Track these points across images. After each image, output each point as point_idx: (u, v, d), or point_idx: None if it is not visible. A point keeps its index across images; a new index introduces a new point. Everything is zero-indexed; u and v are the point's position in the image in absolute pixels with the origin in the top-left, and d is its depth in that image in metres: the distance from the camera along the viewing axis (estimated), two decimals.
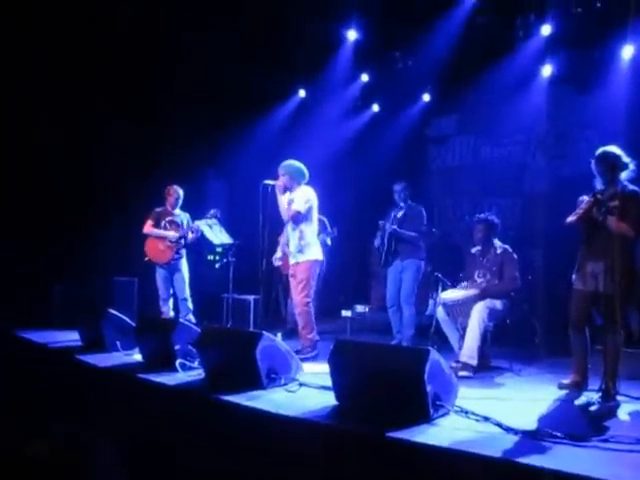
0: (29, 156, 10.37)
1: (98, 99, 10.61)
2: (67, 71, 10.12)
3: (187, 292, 9.62)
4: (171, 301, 9.63)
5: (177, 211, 9.75)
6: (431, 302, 8.66)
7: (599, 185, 5.94)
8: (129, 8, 9.80)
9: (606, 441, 4.12)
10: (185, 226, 9.66)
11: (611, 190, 5.81)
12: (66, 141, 10.52)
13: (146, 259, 9.63)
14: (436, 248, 10.10)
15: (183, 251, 9.72)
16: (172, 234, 9.54)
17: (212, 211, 9.44)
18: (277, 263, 9.09)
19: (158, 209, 9.72)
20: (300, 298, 7.83)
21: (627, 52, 9.22)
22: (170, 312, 9.56)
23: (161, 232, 9.55)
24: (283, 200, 7.90)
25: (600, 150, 5.98)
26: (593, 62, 9.43)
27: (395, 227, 8.54)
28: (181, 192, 9.71)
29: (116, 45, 10.26)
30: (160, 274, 9.59)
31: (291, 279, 8.09)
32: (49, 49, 9.89)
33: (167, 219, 9.64)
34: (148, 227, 9.60)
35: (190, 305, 9.60)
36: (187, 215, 9.81)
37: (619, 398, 5.33)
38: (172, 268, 9.59)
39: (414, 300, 8.60)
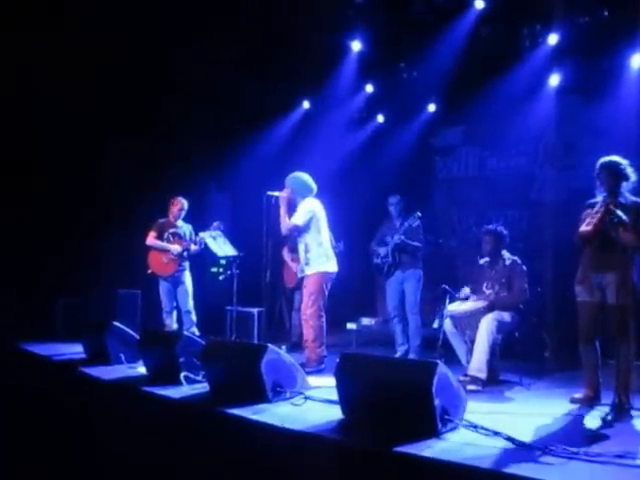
0: (31, 170, 10.35)
1: (99, 112, 10.58)
2: (67, 85, 10.08)
3: (190, 304, 9.56)
4: (174, 313, 9.55)
5: (179, 222, 9.70)
6: (438, 315, 8.59)
7: (600, 193, 5.87)
8: (130, 22, 9.76)
9: (621, 457, 4.01)
10: (188, 238, 9.60)
11: (613, 200, 5.73)
12: (67, 154, 10.48)
13: (149, 272, 9.58)
14: (442, 259, 10.03)
15: (186, 263, 9.66)
16: (175, 247, 9.48)
17: (215, 223, 9.39)
18: (300, 274, 8.95)
19: (161, 220, 9.68)
20: (311, 312, 7.77)
21: (636, 61, 9.13)
22: (173, 325, 9.50)
23: (164, 245, 9.49)
24: (286, 213, 7.85)
25: (605, 159, 5.94)
26: (601, 71, 9.33)
27: (403, 238, 8.49)
28: (186, 204, 9.68)
29: (118, 58, 10.22)
30: (163, 287, 9.54)
31: (304, 290, 8.04)
32: (52, 62, 9.87)
33: (170, 231, 9.58)
34: (151, 239, 9.55)
35: (194, 317, 9.54)
36: (190, 227, 9.76)
37: (633, 412, 5.24)
38: (175, 280, 9.53)
39: (419, 310, 8.55)
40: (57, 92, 10.02)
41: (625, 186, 5.86)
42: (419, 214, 8.55)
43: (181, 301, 9.56)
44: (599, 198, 5.82)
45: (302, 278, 8.27)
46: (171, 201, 9.67)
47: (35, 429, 7.15)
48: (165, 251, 9.49)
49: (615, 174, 5.83)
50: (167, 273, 9.49)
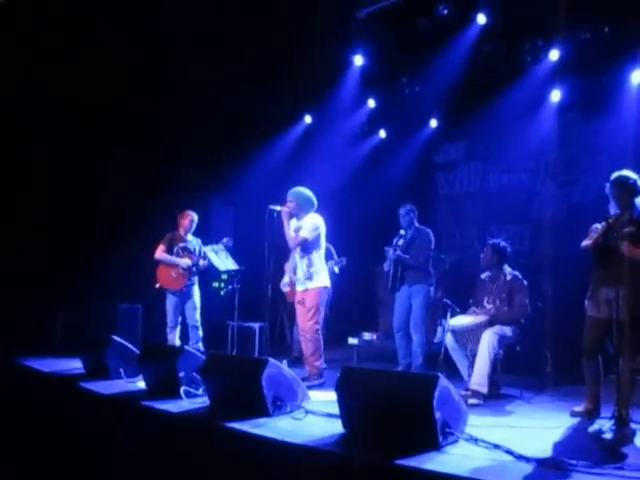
0: (31, 182, 10.34)
1: (101, 124, 10.59)
2: (70, 98, 10.12)
3: (198, 319, 9.46)
4: (178, 329, 9.48)
5: (189, 237, 9.63)
6: (439, 329, 8.56)
7: (614, 210, 5.86)
8: (132, 36, 9.80)
9: (621, 469, 4.02)
10: (197, 252, 9.54)
11: (626, 215, 5.74)
12: (68, 167, 10.47)
13: (157, 286, 9.50)
14: (444, 274, 10.02)
15: (195, 278, 9.60)
16: (185, 261, 9.40)
17: (225, 240, 9.35)
18: (285, 289, 8.88)
19: (171, 234, 9.60)
20: (310, 325, 7.78)
21: (636, 77, 9.15)
22: (176, 340, 9.38)
23: (173, 259, 9.41)
24: (289, 227, 7.86)
25: (617, 174, 5.92)
26: (602, 88, 9.36)
27: (398, 253, 8.47)
28: (196, 217, 9.61)
29: (120, 71, 10.26)
30: (171, 301, 9.44)
31: (298, 306, 8.05)
32: (53, 75, 9.89)
33: (180, 245, 9.50)
34: (160, 252, 9.46)
35: (200, 333, 9.42)
36: (199, 241, 9.67)
37: (633, 426, 5.23)
38: (184, 295, 9.45)
39: (424, 329, 8.49)
40: (60, 101, 10.05)
41: (639, 201, 5.84)
42: (402, 232, 8.56)
43: (189, 316, 9.47)
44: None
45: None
46: (181, 214, 9.59)
47: (33, 444, 7.12)
48: (174, 265, 9.41)
49: (626, 189, 5.82)
50: (176, 288, 9.41)
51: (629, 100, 9.25)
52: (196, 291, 9.62)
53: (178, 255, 9.47)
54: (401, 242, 8.56)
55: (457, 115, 11.31)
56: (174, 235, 9.61)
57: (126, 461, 6.03)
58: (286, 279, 8.62)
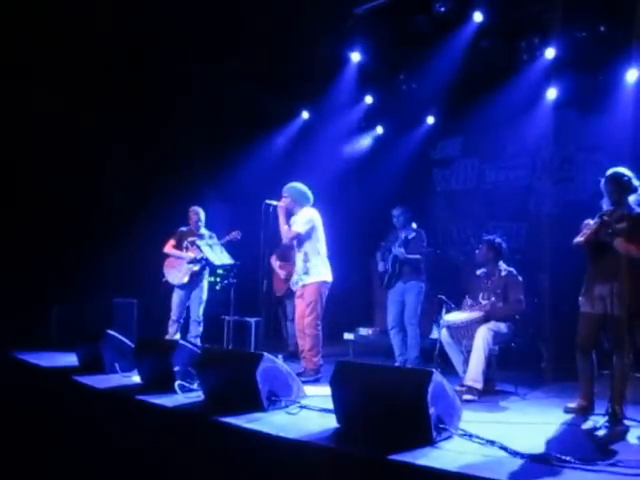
0: (29, 177, 10.32)
1: (98, 119, 10.57)
2: (66, 93, 10.10)
3: (200, 314, 9.53)
4: (180, 324, 9.48)
5: (202, 230, 9.67)
6: (435, 325, 8.57)
7: (606, 206, 5.89)
8: (130, 31, 9.78)
9: (614, 465, 4.04)
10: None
11: (619, 212, 5.76)
12: (67, 163, 10.46)
13: (164, 280, 9.58)
14: (440, 271, 10.03)
15: (205, 272, 9.68)
16: (188, 255, 9.46)
17: (234, 232, 9.32)
18: (294, 287, 8.77)
19: (183, 229, 9.71)
20: (309, 320, 7.81)
21: (631, 76, 9.19)
22: (176, 335, 9.37)
23: (179, 253, 9.53)
24: (285, 222, 7.87)
25: (611, 171, 5.94)
26: (598, 85, 9.40)
27: (402, 250, 8.46)
28: (202, 213, 9.71)
29: (117, 64, 10.25)
30: (178, 294, 9.52)
31: (298, 300, 8.07)
32: (50, 71, 9.88)
33: (189, 240, 9.56)
34: (168, 247, 9.61)
35: (200, 328, 9.49)
36: (213, 235, 9.67)
37: (626, 422, 5.24)
38: (190, 289, 9.53)
39: (418, 322, 8.51)
40: (56, 99, 10.02)
41: (632, 198, 5.86)
42: (414, 226, 8.55)
43: (192, 309, 9.54)
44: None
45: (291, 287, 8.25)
46: (189, 211, 9.71)
47: (28, 438, 7.11)
48: (180, 259, 9.50)
49: (622, 186, 5.84)
50: (181, 281, 9.47)
51: (624, 98, 9.31)
52: (204, 286, 9.68)
53: (187, 249, 9.55)
54: (409, 237, 8.55)
55: (454, 112, 11.33)
56: (185, 230, 9.71)
57: (120, 455, 6.03)
58: (295, 277, 8.50)
